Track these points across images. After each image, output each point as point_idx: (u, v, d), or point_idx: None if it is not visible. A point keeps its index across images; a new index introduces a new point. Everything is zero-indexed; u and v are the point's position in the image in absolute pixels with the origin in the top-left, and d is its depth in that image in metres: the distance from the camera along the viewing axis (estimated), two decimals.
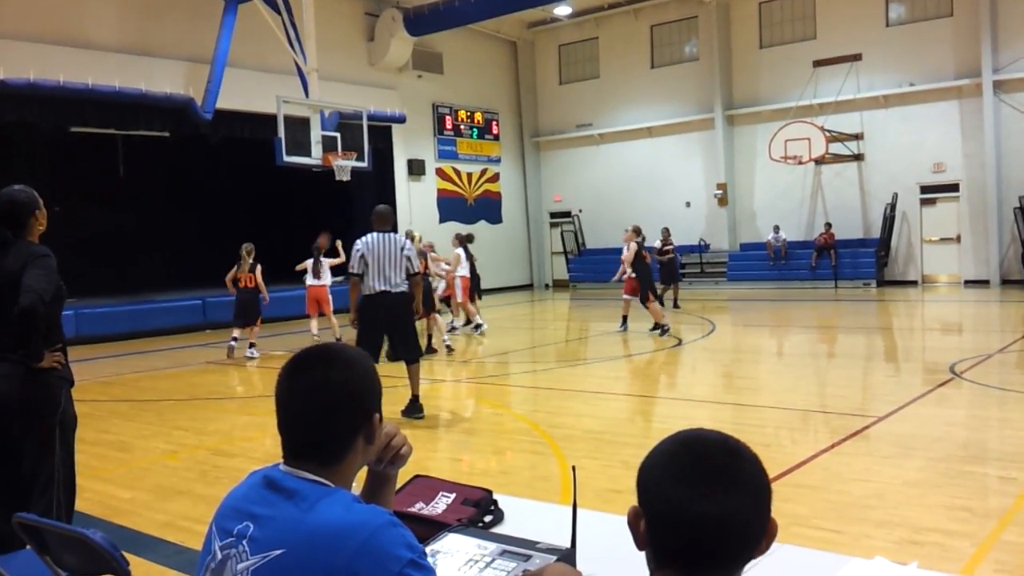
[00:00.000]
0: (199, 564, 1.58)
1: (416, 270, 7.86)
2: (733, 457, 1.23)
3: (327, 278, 13.61)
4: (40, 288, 3.65)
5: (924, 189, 20.86)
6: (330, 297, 13.72)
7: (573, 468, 2.00)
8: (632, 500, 1.26)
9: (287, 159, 14.48)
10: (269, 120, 14.94)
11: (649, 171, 24.77)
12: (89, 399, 9.12)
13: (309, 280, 13.65)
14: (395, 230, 8.21)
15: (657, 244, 17.18)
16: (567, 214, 26.44)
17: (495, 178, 26.17)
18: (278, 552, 1.43)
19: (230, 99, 17.24)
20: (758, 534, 1.23)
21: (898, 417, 7.17)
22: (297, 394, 1.57)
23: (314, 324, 13.57)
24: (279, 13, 15.91)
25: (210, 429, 7.85)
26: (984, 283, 19.93)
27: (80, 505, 5.28)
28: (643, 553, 1.27)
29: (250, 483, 1.58)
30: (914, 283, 21.01)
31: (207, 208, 21.33)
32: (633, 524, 1.25)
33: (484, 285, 21.84)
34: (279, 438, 1.58)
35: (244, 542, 1.48)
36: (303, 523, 1.44)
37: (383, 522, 1.44)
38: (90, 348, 13.95)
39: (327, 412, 1.55)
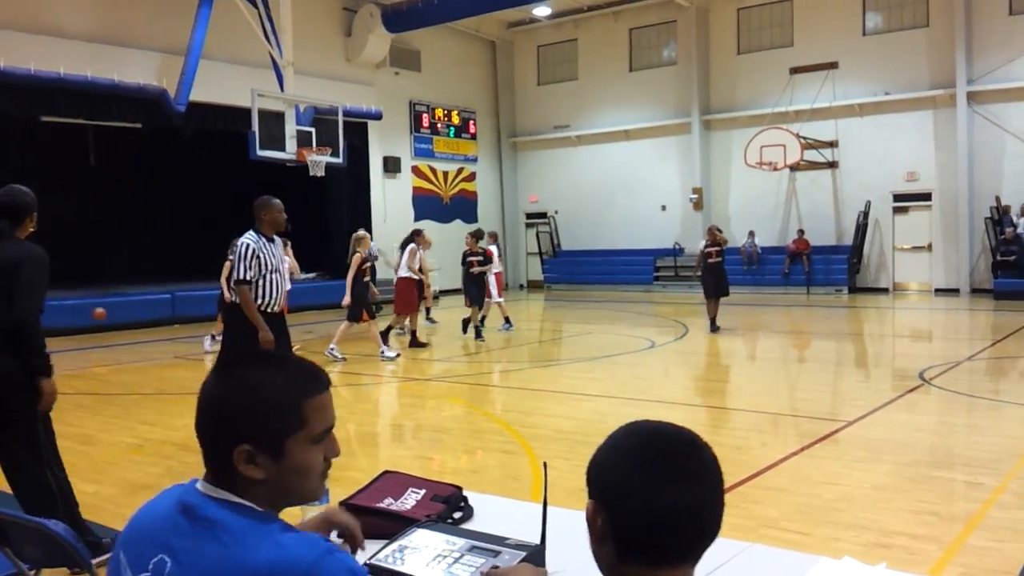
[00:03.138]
0: None
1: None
2: (693, 448, 1.26)
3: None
4: (34, 302, 3.91)
5: (897, 197, 21.07)
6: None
7: (544, 465, 1.98)
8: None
9: (261, 153, 14.38)
10: (243, 113, 14.82)
11: (625, 174, 24.84)
12: None
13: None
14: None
15: (701, 245, 14.17)
16: (543, 215, 26.45)
17: (471, 177, 26.12)
18: None
19: (204, 91, 17.04)
20: (719, 523, 1.25)
21: (867, 422, 7.22)
22: (200, 401, 1.44)
23: None
24: (255, 6, 15.78)
25: (177, 424, 7.74)
26: (954, 292, 20.17)
27: None
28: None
29: (165, 505, 1.41)
30: (885, 290, 21.22)
31: (178, 201, 21.08)
32: (592, 520, 1.26)
33: (458, 285, 21.84)
34: None
35: None
36: (229, 561, 1.28)
37: (321, 551, 1.29)
38: (55, 341, 13.71)
39: (198, 424, 1.43)
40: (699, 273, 13.97)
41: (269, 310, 6.28)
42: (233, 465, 1.37)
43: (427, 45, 24.10)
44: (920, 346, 13.63)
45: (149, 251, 20.66)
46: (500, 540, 1.93)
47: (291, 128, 14.81)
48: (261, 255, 6.23)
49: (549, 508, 1.88)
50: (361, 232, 12.23)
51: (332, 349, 11.63)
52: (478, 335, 13.61)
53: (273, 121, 14.62)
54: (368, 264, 11.99)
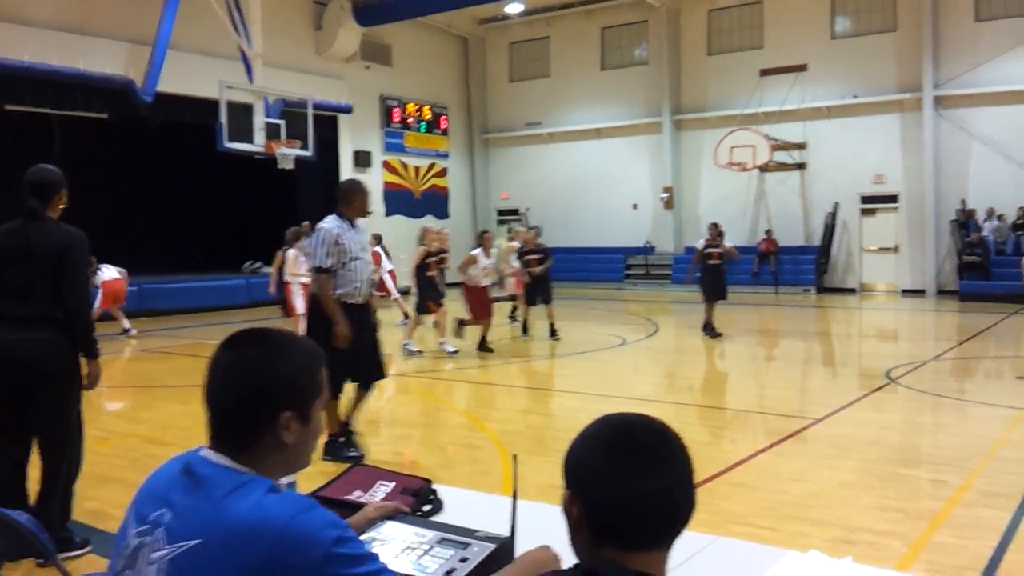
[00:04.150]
0: (115, 550, 1.52)
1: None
2: (662, 437, 1.31)
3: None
4: (81, 287, 4.16)
5: (864, 199, 21.29)
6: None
7: (514, 457, 1.98)
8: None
9: (229, 145, 14.22)
10: (211, 105, 14.66)
11: (597, 172, 24.88)
12: None
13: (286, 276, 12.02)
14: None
15: (700, 244, 13.17)
16: (515, 212, 26.42)
17: (443, 173, 26.03)
18: (194, 542, 1.38)
19: (171, 82, 16.82)
20: (691, 507, 1.29)
21: (834, 420, 7.28)
22: (217, 371, 1.51)
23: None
24: None
25: (143, 417, 7.65)
26: (920, 292, 20.42)
27: None
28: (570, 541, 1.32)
29: (170, 467, 1.52)
30: (853, 291, 21.44)
31: (145, 193, 20.84)
32: (568, 510, 1.29)
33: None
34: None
35: (160, 530, 1.43)
36: (217, 513, 1.39)
37: (299, 508, 1.39)
38: None
39: (238, 397, 1.50)
40: (697, 274, 13.15)
41: (352, 301, 5.87)
42: (265, 432, 1.49)
43: (398, 40, 23.99)
44: (887, 346, 13.78)
45: (114, 243, 20.31)
46: (470, 532, 1.92)
47: (260, 120, 14.70)
48: (343, 241, 5.79)
49: (519, 502, 1.86)
50: (427, 225, 12.26)
51: (407, 344, 11.64)
52: (524, 331, 13.29)
53: (242, 113, 14.49)
54: (434, 258, 11.79)
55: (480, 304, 11.79)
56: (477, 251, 11.98)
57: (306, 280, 10.69)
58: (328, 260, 5.74)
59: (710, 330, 12.86)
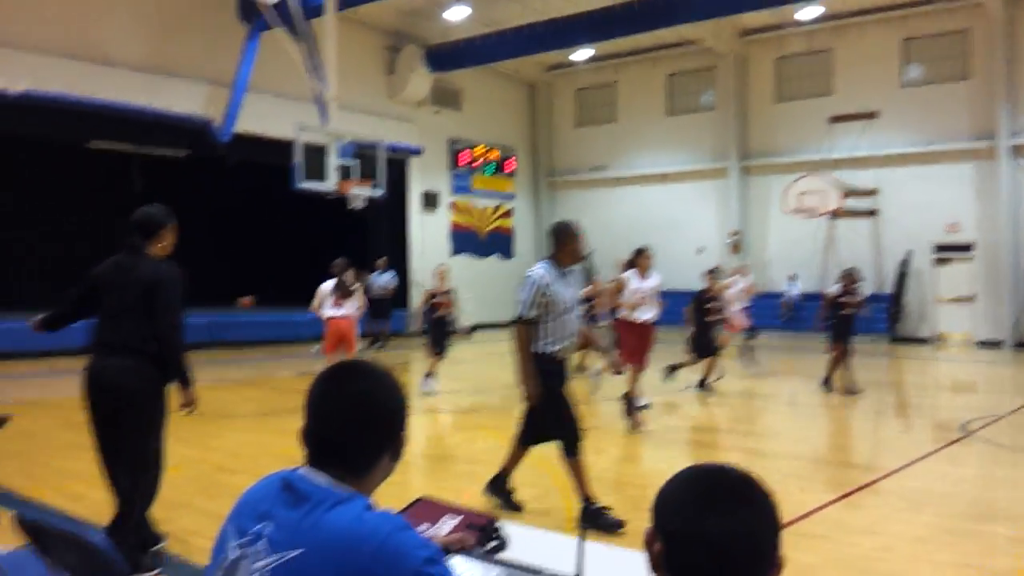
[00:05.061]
0: (212, 561, 1.60)
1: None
2: (747, 482, 1.34)
3: (353, 307, 11.00)
4: (172, 319, 4.35)
5: (938, 248, 20.79)
6: (358, 331, 11.33)
7: (585, 499, 1.98)
8: (641, 533, 1.35)
9: (303, 184, 14.52)
10: (285, 146, 15.01)
11: (662, 216, 24.80)
12: None
13: (329, 311, 10.92)
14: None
15: (833, 291, 12.33)
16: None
17: (509, 214, 26.27)
18: (296, 552, 1.48)
19: (247, 122, 17.38)
20: (771, 557, 1.29)
21: (908, 472, 7.06)
22: (336, 404, 1.63)
23: None
24: (301, 41, 16.03)
25: (214, 445, 7.80)
26: (997, 344, 19.78)
27: (84, 512, 5.34)
28: None
29: (268, 483, 1.62)
30: (926, 341, 20.86)
31: (219, 229, 21.39)
32: (649, 545, 1.32)
33: (493, 318, 21.81)
34: (283, 458, 1.58)
35: (262, 541, 1.52)
36: (320, 526, 1.49)
37: (396, 525, 1.50)
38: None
39: (363, 425, 1.61)
40: (825, 323, 12.22)
41: (552, 354, 5.42)
42: (372, 459, 1.63)
43: (467, 85, 24.44)
44: (962, 398, 13.36)
45: (190, 277, 20.93)
46: (536, 571, 1.91)
47: (333, 161, 14.98)
48: (550, 294, 5.31)
49: (586, 543, 1.86)
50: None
51: (427, 382, 11.45)
52: (701, 386, 11.92)
53: (315, 154, 14.80)
54: (438, 299, 11.52)
55: (633, 345, 9.38)
56: (628, 274, 9.63)
57: (329, 314, 10.66)
58: (532, 311, 5.31)
59: (829, 385, 11.97)
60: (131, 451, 4.33)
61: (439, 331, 11.79)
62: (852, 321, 11.96)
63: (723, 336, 12.73)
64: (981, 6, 19.77)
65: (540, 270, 5.42)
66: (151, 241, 4.50)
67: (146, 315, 4.29)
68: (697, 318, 11.79)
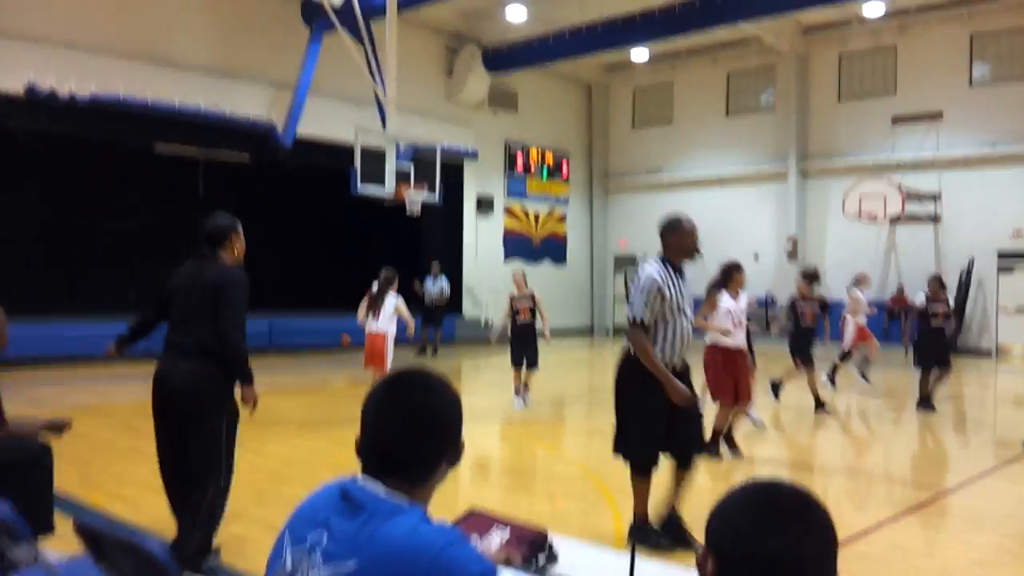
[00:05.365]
0: (268, 567, 1.63)
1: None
2: (803, 500, 1.31)
3: (389, 322, 10.12)
4: (235, 321, 4.47)
5: (1002, 255, 20.23)
6: (390, 348, 10.15)
7: (635, 518, 1.98)
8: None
9: (361, 189, 14.55)
10: (343, 150, 15.11)
11: (717, 220, 24.42)
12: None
13: (368, 324, 10.13)
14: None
15: (919, 301, 11.46)
16: (632, 259, 26.29)
17: (562, 219, 26.21)
18: (351, 563, 1.49)
19: (307, 126, 17.59)
20: (829, 573, 1.27)
21: (967, 491, 6.91)
22: (393, 413, 1.64)
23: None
24: (362, 43, 16.15)
25: (268, 451, 7.91)
26: None
27: (136, 520, 5.41)
28: None
29: (327, 493, 1.63)
30: (988, 353, 20.32)
31: (278, 233, 21.72)
32: (702, 563, 1.30)
33: (565, 324, 21.54)
34: (337, 467, 1.61)
35: (318, 551, 1.54)
36: (376, 537, 1.50)
37: (451, 539, 1.50)
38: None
39: (422, 435, 1.64)
40: (915, 338, 11.56)
41: (668, 364, 4.93)
42: (430, 468, 1.65)
43: (524, 86, 24.43)
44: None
45: (252, 282, 21.25)
46: None
47: (391, 165, 14.99)
48: (666, 292, 4.92)
49: (637, 558, 1.87)
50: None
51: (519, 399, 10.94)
52: (819, 405, 10.96)
53: (373, 158, 14.85)
54: (521, 305, 10.95)
55: (722, 376, 8.13)
56: (720, 291, 8.33)
57: (367, 327, 10.01)
58: (647, 313, 4.87)
59: (927, 404, 11.24)
60: (199, 453, 4.42)
61: (519, 341, 10.99)
62: (943, 335, 11.15)
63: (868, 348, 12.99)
64: None
65: (652, 269, 4.98)
66: (220, 249, 4.65)
67: (213, 318, 4.42)
68: (794, 326, 11.17)
